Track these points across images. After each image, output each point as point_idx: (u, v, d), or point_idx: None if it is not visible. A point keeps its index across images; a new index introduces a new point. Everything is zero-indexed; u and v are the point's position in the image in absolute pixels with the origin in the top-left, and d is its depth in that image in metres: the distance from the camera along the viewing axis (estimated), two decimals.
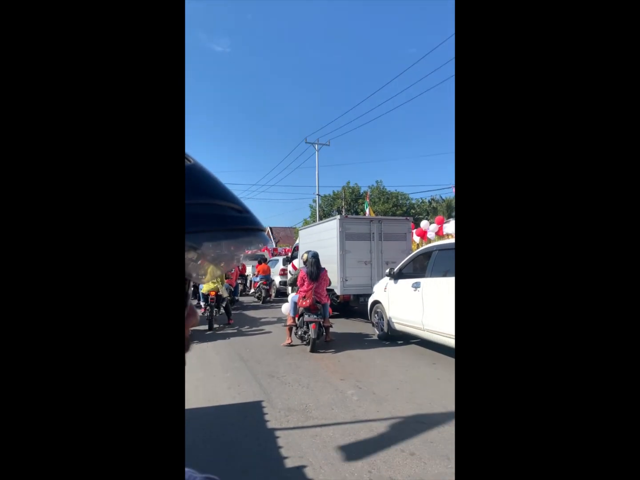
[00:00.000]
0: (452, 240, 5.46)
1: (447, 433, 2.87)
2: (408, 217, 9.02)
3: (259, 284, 12.33)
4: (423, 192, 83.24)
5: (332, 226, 8.10)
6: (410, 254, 7.22)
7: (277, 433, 2.93)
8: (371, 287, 7.34)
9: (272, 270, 13.08)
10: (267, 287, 12.22)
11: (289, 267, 11.47)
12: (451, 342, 4.53)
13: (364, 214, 18.60)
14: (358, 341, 6.23)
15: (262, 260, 12.78)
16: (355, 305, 8.40)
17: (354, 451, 2.64)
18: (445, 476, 2.30)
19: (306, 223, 27.65)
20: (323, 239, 8.47)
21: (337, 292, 7.85)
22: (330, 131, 53.31)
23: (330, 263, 7.63)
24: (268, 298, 12.22)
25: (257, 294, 12.62)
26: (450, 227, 11.56)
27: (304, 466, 2.45)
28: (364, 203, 24.29)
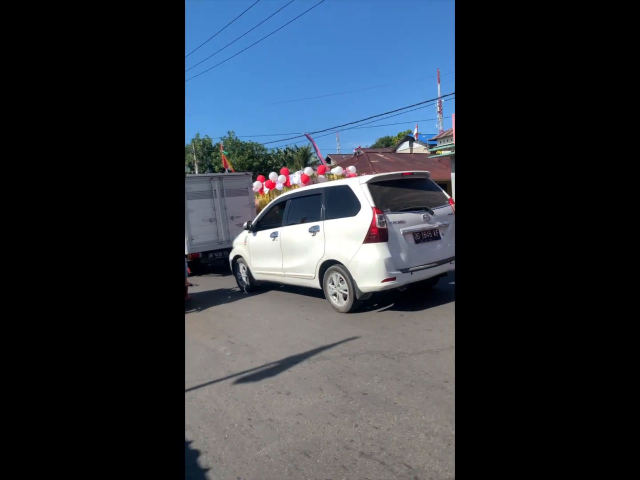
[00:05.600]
0: (303, 188, 5.76)
1: (317, 367, 3.09)
2: (248, 172, 9.68)
3: None
4: (278, 141, 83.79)
5: None
6: (253, 207, 8.37)
7: None
8: (219, 242, 7.91)
9: None
10: None
11: None
12: (309, 282, 4.96)
13: (223, 167, 18.33)
14: (223, 297, 6.17)
15: None
16: (205, 261, 8.49)
17: (232, 404, 2.65)
18: (319, 407, 2.50)
19: None
20: None
21: (185, 251, 7.72)
22: None
23: None
24: None
25: None
26: (295, 177, 11.96)
27: None
28: (217, 156, 23.18)
